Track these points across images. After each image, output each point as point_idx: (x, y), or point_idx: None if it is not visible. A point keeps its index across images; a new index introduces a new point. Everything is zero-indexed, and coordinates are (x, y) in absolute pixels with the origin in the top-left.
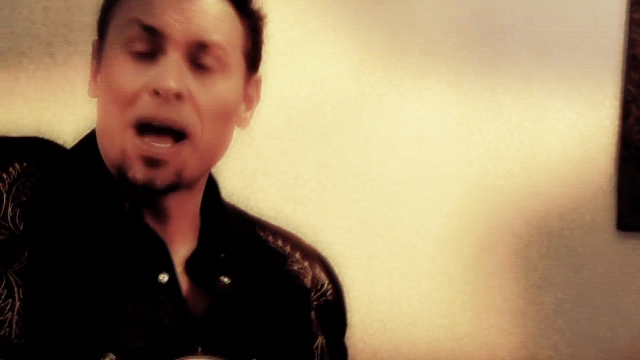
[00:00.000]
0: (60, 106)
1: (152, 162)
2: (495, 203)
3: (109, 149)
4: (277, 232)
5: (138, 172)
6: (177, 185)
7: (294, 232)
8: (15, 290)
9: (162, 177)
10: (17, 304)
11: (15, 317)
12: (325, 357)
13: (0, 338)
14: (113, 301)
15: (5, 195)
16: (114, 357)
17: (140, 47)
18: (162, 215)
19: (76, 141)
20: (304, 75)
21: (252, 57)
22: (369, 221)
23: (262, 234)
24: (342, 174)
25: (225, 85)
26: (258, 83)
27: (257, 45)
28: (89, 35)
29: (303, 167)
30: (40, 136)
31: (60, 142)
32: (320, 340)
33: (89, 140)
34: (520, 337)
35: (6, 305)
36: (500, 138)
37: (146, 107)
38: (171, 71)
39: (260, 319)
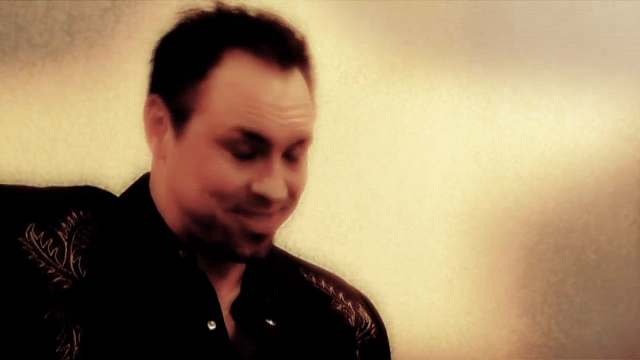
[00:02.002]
0: (101, 151)
1: (257, 238)
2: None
3: (211, 225)
4: (320, 273)
5: (246, 249)
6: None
7: (335, 272)
8: (74, 335)
9: (264, 248)
10: (75, 349)
11: None
12: None
13: None
14: (166, 346)
15: (66, 244)
16: None
17: (243, 149)
18: (214, 264)
19: (125, 188)
20: (338, 116)
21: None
22: (405, 259)
23: (305, 275)
24: (378, 212)
25: (306, 162)
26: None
27: (314, 97)
28: (131, 82)
29: (339, 206)
30: (90, 184)
31: (102, 186)
32: None
33: (140, 189)
34: (542, 338)
35: (64, 350)
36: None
37: (246, 205)
38: (278, 178)
39: (307, 359)
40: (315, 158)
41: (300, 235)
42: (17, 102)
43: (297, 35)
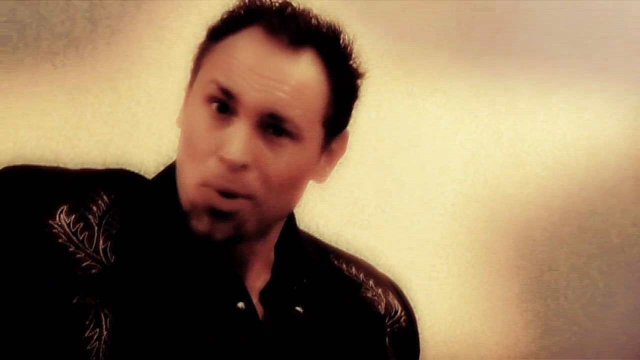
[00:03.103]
0: (124, 139)
1: (217, 215)
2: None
3: (182, 194)
4: (351, 260)
5: (201, 224)
6: (238, 238)
7: (368, 261)
8: (103, 319)
9: (222, 230)
10: (104, 333)
11: (102, 346)
12: None
13: None
14: (195, 329)
15: (96, 228)
16: None
17: (216, 106)
18: (235, 258)
19: (147, 175)
20: (360, 102)
21: (335, 122)
22: (428, 243)
23: (336, 262)
24: (400, 197)
25: (295, 156)
26: (344, 138)
27: (346, 105)
28: (152, 70)
29: (362, 191)
30: (125, 168)
31: None
32: None
33: (169, 173)
34: (565, 317)
35: (93, 335)
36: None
37: (213, 171)
38: (240, 141)
39: (335, 346)
40: None
41: (323, 220)
42: (40, 91)
43: (323, 24)
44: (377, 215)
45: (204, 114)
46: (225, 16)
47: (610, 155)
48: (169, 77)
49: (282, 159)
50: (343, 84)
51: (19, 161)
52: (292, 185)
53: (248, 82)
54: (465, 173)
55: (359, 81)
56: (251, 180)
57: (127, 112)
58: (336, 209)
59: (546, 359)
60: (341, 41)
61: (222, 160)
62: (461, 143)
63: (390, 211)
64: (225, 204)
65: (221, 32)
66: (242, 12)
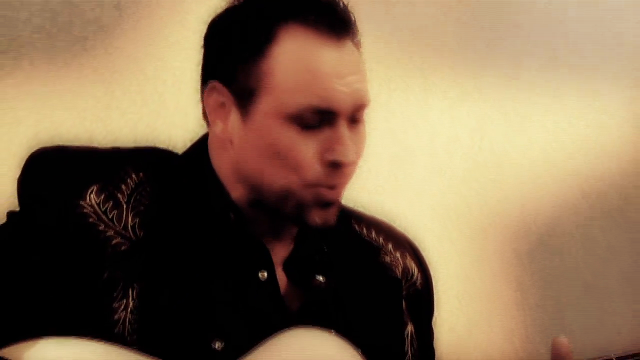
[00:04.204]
0: (153, 117)
1: (326, 205)
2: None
3: (285, 197)
4: (372, 224)
5: (317, 217)
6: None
7: (388, 222)
8: (130, 291)
9: (333, 215)
10: (131, 303)
11: (129, 316)
12: (414, 343)
13: (115, 335)
14: (219, 296)
15: (125, 206)
16: (221, 343)
17: (311, 121)
18: (271, 223)
19: (176, 151)
20: (371, 76)
21: None
22: (439, 206)
23: (357, 226)
24: (411, 165)
25: (363, 131)
26: None
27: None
28: (177, 52)
29: (375, 161)
30: (154, 146)
31: None
32: (410, 327)
33: (199, 151)
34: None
35: (120, 306)
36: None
37: (324, 174)
38: (348, 143)
39: (354, 311)
40: None
41: None
42: (73, 74)
43: (341, 5)
44: (391, 182)
45: (292, 132)
46: (249, 27)
47: (611, 126)
48: (192, 59)
49: (361, 139)
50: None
51: (57, 140)
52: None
53: (339, 91)
54: (472, 140)
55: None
56: (352, 169)
57: (154, 92)
58: (353, 178)
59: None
60: (353, 18)
61: (334, 164)
62: (468, 113)
63: (402, 178)
64: (334, 195)
65: (255, 45)
66: (260, 11)
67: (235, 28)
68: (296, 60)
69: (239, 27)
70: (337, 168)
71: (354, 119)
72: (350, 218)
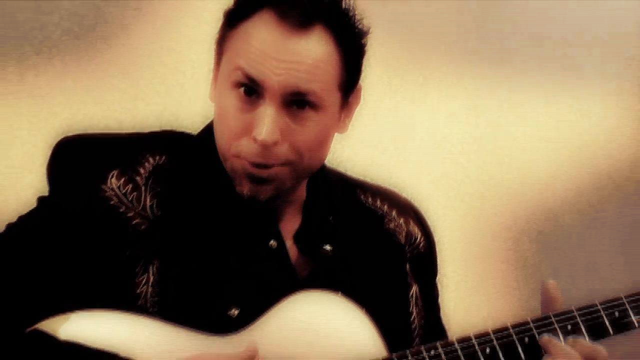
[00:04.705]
0: (175, 106)
1: (257, 181)
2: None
3: (222, 160)
4: (377, 192)
5: (245, 188)
6: (279, 195)
7: (392, 189)
8: (151, 267)
9: (265, 192)
10: (152, 278)
11: (150, 289)
12: (418, 303)
13: (138, 307)
14: (234, 266)
15: (143, 188)
16: (236, 309)
17: (243, 90)
18: (271, 204)
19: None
20: (374, 62)
21: (349, 82)
22: (441, 177)
23: (362, 196)
24: (414, 139)
25: (320, 122)
26: (358, 92)
27: (357, 64)
28: (196, 46)
29: (381, 136)
30: (168, 129)
31: None
32: (414, 288)
33: (209, 132)
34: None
35: (142, 280)
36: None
37: (248, 149)
38: (268, 122)
39: (360, 276)
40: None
41: (350, 164)
42: (100, 70)
43: (332, 2)
44: (395, 156)
45: (233, 98)
46: (237, 2)
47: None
48: (209, 52)
49: (308, 128)
50: (352, 48)
51: (90, 131)
52: (321, 146)
53: (268, 68)
54: (468, 117)
55: (364, 40)
56: (283, 152)
57: (176, 83)
58: (360, 153)
59: None
60: (344, 8)
61: (254, 140)
62: (466, 91)
63: (406, 152)
64: (263, 173)
65: (235, 18)
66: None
67: (234, 7)
68: (250, 33)
69: (236, 6)
70: (259, 145)
71: (292, 108)
72: (356, 188)
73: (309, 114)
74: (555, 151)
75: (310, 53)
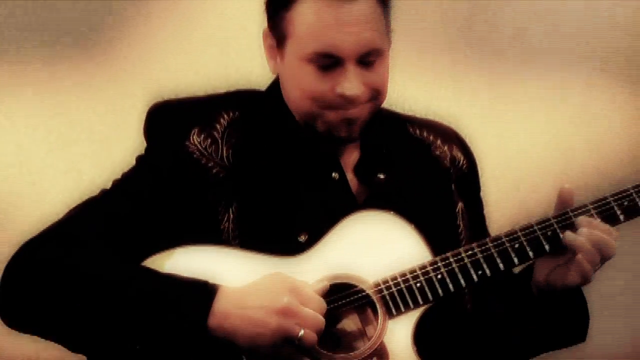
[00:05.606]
0: (211, 80)
1: (350, 123)
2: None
3: (309, 118)
4: (423, 125)
5: (342, 132)
6: (362, 130)
7: (436, 119)
8: (230, 207)
9: (356, 131)
10: (231, 216)
11: (231, 225)
12: (464, 217)
13: (223, 240)
14: (302, 197)
15: (220, 141)
16: (305, 235)
17: (322, 63)
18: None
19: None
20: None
21: (390, 25)
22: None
23: (411, 129)
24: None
25: (384, 64)
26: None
27: (390, 9)
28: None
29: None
30: (240, 88)
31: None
32: (460, 205)
33: (273, 87)
34: None
35: (224, 217)
36: None
37: (336, 103)
38: (352, 79)
39: (411, 198)
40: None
41: (410, 102)
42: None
43: None
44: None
45: (310, 70)
46: None
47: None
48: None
49: (378, 72)
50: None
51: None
52: (388, 82)
53: (342, 39)
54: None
55: None
56: (365, 95)
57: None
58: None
59: None
60: None
61: (341, 96)
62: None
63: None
64: (355, 114)
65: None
66: None
67: None
68: (309, 13)
69: None
70: (345, 99)
71: (367, 61)
72: (405, 122)
73: (378, 61)
74: (555, 150)
75: (365, 12)
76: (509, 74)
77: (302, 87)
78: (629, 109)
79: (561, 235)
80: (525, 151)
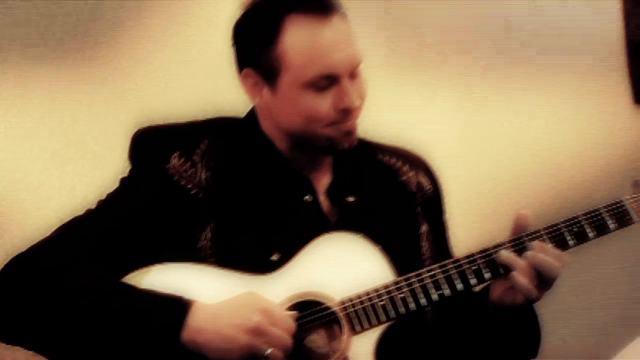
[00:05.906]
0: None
1: (350, 134)
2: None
3: (310, 138)
4: (392, 152)
5: (345, 144)
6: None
7: (405, 147)
8: (207, 226)
9: (354, 139)
10: (209, 235)
11: (209, 243)
12: (428, 238)
13: (200, 258)
14: (275, 219)
15: (199, 164)
16: (278, 254)
17: (321, 85)
18: (311, 160)
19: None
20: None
21: None
22: (467, 129)
23: (380, 156)
24: (412, 138)
25: (361, 73)
26: None
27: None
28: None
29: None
30: (221, 116)
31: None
32: (424, 227)
33: (251, 117)
34: None
35: (202, 237)
36: None
37: (336, 118)
38: (351, 93)
39: (377, 220)
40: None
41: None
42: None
43: None
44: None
45: (310, 94)
46: (259, 27)
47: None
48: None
49: (361, 82)
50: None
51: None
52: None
53: (338, 58)
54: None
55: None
56: (360, 105)
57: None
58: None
59: None
60: None
61: (344, 110)
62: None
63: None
64: (352, 126)
65: (267, 38)
66: (268, 12)
67: (252, 27)
68: (301, 41)
69: (254, 26)
70: (348, 112)
71: (354, 74)
72: (375, 150)
73: (358, 76)
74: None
75: (343, 27)
76: (477, 104)
77: (305, 111)
78: (594, 128)
79: (501, 254)
80: (490, 177)
